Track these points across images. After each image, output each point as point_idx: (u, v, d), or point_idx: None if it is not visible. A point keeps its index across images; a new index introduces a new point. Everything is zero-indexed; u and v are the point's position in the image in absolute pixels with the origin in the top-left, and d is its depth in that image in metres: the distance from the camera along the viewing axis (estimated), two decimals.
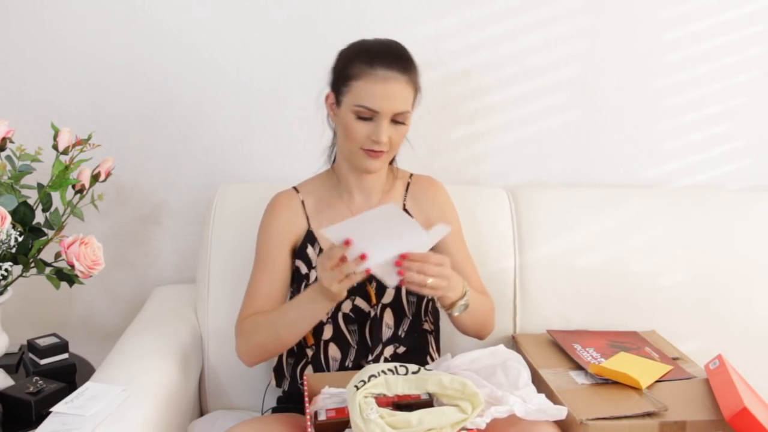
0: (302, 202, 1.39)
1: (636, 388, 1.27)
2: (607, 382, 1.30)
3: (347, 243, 1.11)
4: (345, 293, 1.17)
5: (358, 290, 1.35)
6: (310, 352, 1.38)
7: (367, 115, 1.27)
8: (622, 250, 1.62)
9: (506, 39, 1.71)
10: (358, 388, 1.12)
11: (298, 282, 1.37)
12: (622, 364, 1.34)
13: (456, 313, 1.28)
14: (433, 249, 1.43)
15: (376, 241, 1.12)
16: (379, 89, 1.25)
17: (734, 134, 1.79)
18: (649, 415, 1.18)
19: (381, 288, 1.36)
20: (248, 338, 1.31)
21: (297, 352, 1.39)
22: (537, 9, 1.70)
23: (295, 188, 1.42)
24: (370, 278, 1.35)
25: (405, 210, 1.42)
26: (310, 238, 1.37)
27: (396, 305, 1.37)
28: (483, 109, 1.75)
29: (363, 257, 1.12)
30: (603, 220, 1.64)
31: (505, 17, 1.70)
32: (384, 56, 1.27)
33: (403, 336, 1.37)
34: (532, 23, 1.71)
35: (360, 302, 1.36)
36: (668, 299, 1.61)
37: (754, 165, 1.81)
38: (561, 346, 1.45)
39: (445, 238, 1.43)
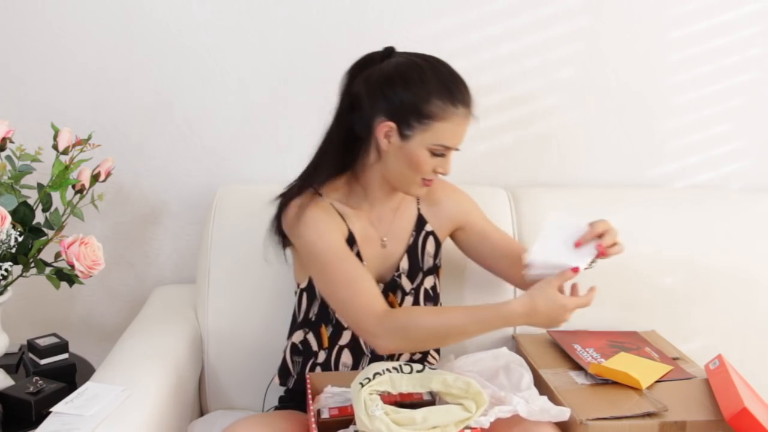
0: (331, 204, 1.32)
1: (636, 388, 1.27)
2: (607, 382, 1.30)
3: (575, 270, 1.18)
4: None
5: None
6: (322, 355, 1.36)
7: (443, 152, 1.26)
8: None
9: (506, 39, 1.71)
10: (363, 386, 1.12)
11: None
12: (622, 364, 1.34)
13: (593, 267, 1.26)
14: (459, 236, 1.46)
15: (570, 251, 1.21)
16: (461, 129, 1.27)
17: (735, 134, 1.79)
18: (649, 415, 1.18)
19: (402, 296, 1.36)
20: (406, 335, 1.19)
21: (305, 351, 1.38)
22: (536, 9, 1.70)
23: (318, 193, 1.32)
24: (395, 287, 1.36)
25: (420, 215, 1.40)
26: (351, 239, 1.32)
27: None
28: (483, 109, 1.73)
29: (575, 270, 1.19)
30: None
31: (505, 17, 1.70)
32: (463, 93, 1.26)
33: None
34: (531, 23, 1.71)
35: None
36: (668, 299, 1.61)
37: (754, 165, 1.81)
38: (561, 346, 1.45)
39: (479, 224, 1.44)
